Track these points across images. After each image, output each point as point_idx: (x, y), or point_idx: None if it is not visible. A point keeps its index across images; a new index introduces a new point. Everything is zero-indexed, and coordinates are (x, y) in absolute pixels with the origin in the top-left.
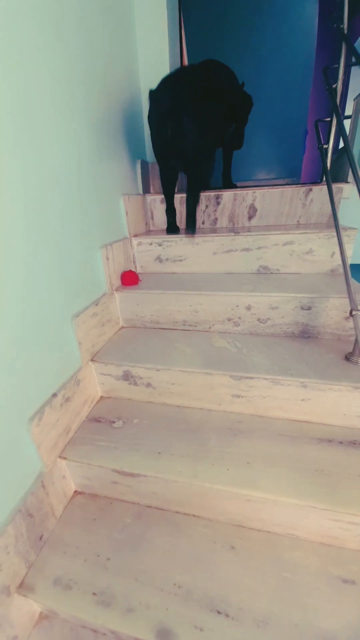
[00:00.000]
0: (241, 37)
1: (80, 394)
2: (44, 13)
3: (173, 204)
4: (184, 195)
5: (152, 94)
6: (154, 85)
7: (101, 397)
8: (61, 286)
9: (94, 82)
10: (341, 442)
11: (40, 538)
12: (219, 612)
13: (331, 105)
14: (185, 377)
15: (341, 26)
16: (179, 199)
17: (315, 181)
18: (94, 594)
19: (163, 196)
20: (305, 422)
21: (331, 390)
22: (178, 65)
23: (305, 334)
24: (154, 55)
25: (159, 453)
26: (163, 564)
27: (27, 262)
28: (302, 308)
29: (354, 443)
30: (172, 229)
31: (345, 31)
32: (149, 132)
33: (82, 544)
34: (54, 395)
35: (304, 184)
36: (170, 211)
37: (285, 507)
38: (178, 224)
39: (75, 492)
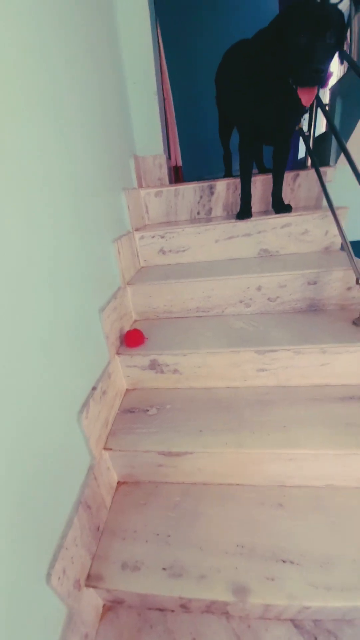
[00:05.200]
0: (211, 33)
1: (112, 387)
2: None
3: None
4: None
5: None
6: (138, 79)
7: (127, 390)
8: (87, 281)
9: (95, 92)
10: None
11: (98, 529)
12: (284, 562)
13: None
14: (212, 359)
15: None
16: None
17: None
18: (163, 569)
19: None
20: (325, 385)
21: (347, 352)
22: (157, 55)
23: (312, 307)
24: (139, 54)
25: (200, 431)
26: (221, 531)
27: (54, 258)
28: (308, 283)
29: None
30: (245, 213)
31: None
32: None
33: (139, 527)
34: (94, 388)
35: (291, 170)
36: (247, 194)
37: (324, 459)
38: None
39: (118, 482)
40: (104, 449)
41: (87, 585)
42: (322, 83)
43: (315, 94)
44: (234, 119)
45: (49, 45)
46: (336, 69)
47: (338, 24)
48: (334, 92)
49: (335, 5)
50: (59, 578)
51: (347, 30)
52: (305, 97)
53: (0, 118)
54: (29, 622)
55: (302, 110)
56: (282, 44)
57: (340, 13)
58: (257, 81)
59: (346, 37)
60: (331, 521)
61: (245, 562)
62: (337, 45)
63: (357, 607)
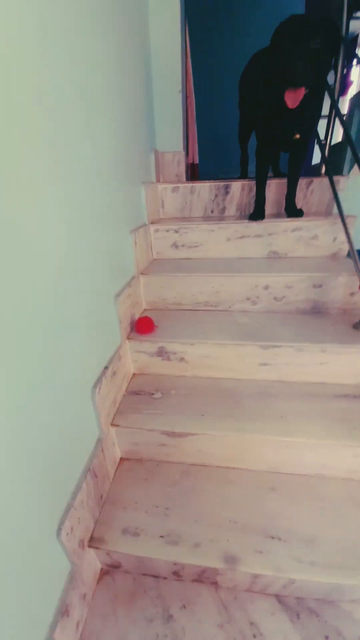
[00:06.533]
0: (236, 35)
1: (121, 369)
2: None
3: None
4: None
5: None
6: (164, 75)
7: (134, 374)
8: (106, 266)
9: (124, 86)
10: (355, 396)
11: (101, 497)
12: (272, 537)
13: (330, 103)
14: (218, 350)
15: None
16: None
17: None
18: (161, 536)
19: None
20: (322, 383)
21: (346, 353)
22: (184, 54)
23: (316, 310)
24: (167, 51)
25: (203, 415)
26: (216, 507)
27: (79, 242)
28: (314, 286)
29: None
30: (258, 215)
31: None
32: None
33: (140, 499)
34: (106, 368)
35: (305, 176)
36: (261, 197)
37: (317, 448)
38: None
39: (121, 459)
40: (112, 425)
41: (90, 546)
42: (305, 84)
43: (301, 96)
44: (253, 125)
45: (85, 35)
46: (357, 79)
47: (326, 33)
48: (353, 103)
49: (329, 18)
50: (67, 534)
51: (339, 40)
52: (290, 100)
53: (32, 111)
54: (39, 571)
55: (309, 118)
56: (275, 54)
57: (332, 24)
58: (270, 91)
59: (339, 46)
60: (319, 506)
61: (237, 536)
62: (324, 50)
63: (339, 585)
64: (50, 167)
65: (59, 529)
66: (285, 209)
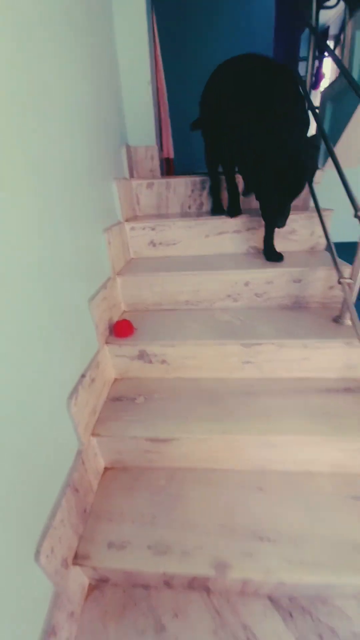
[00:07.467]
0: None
1: (100, 375)
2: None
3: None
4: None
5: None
6: (132, 67)
7: (115, 379)
8: (76, 270)
9: (86, 76)
10: (337, 390)
11: (85, 511)
12: (261, 539)
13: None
14: (200, 350)
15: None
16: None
17: None
18: (148, 547)
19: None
20: (305, 378)
21: (327, 347)
22: (152, 43)
23: (297, 304)
24: (133, 40)
25: (186, 418)
26: (204, 512)
27: (43, 245)
28: (293, 281)
29: (348, 389)
30: (234, 211)
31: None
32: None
33: (125, 509)
34: (83, 376)
35: None
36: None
37: (304, 444)
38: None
39: (105, 468)
40: (92, 435)
41: (75, 564)
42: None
43: None
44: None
45: (32, 24)
46: (329, 71)
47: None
48: (325, 95)
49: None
50: (47, 556)
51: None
52: None
53: None
54: (17, 598)
55: None
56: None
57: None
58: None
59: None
60: (306, 503)
61: (226, 540)
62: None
63: (329, 584)
64: (6, 162)
65: (37, 552)
66: (264, 252)
